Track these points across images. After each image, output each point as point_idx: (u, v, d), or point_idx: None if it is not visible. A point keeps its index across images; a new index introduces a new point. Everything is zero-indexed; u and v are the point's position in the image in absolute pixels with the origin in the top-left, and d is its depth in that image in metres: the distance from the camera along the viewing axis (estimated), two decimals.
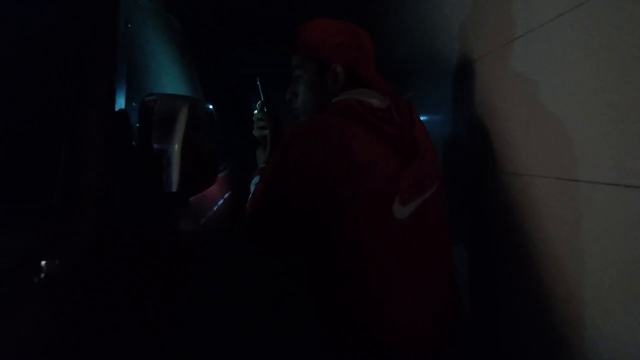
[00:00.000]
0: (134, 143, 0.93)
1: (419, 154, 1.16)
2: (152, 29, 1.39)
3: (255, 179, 1.33)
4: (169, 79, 1.48)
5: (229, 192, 1.80)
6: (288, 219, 1.13)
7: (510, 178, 1.21)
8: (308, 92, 1.28)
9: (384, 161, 1.11)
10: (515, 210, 1.18)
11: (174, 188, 0.88)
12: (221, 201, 1.61)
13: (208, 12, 3.53)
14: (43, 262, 0.65)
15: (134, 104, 1.01)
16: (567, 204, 0.94)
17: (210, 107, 1.02)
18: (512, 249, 1.22)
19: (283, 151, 1.13)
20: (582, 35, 0.88)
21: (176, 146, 0.88)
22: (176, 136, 0.88)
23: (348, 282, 1.11)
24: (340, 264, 1.12)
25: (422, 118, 1.32)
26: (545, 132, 1.02)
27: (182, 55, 1.77)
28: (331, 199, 1.08)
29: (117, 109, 0.91)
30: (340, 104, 1.19)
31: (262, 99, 1.47)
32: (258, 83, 1.49)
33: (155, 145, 0.87)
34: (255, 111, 1.46)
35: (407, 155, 1.15)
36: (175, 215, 1.04)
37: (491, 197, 1.35)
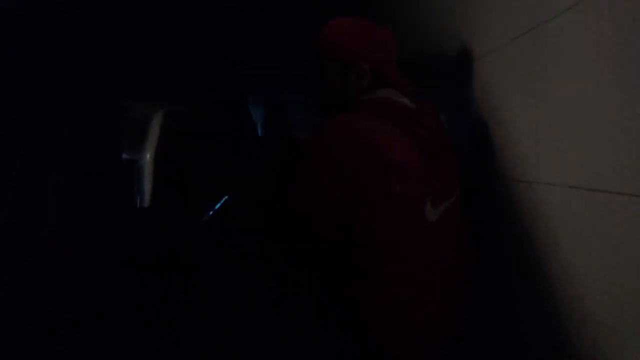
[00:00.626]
0: (104, 153, 0.85)
1: (446, 158, 1.16)
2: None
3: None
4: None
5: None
6: (319, 219, 1.09)
7: (518, 186, 1.11)
8: (333, 91, 1.26)
9: (416, 162, 1.08)
10: (525, 221, 1.09)
11: (146, 202, 0.80)
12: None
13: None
14: None
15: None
16: (581, 215, 0.85)
17: (202, 115, 0.93)
18: (520, 261, 1.12)
19: (313, 151, 1.10)
20: (594, 30, 0.79)
21: (147, 156, 0.80)
22: (148, 145, 0.80)
23: (374, 285, 1.07)
24: (368, 267, 1.08)
25: None
26: (556, 136, 0.93)
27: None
28: (365, 199, 1.04)
29: (87, 114, 0.83)
30: (374, 102, 1.17)
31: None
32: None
33: (124, 155, 0.79)
34: None
35: (435, 158, 1.13)
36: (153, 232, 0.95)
37: (497, 206, 1.26)
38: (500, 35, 1.18)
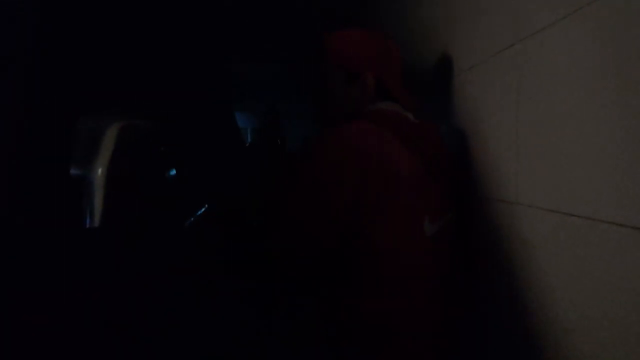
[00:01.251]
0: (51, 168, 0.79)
1: (446, 174, 1.15)
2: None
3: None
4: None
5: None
6: (321, 231, 1.04)
7: (498, 206, 1.07)
8: (335, 101, 1.25)
9: (418, 175, 1.07)
10: (504, 242, 1.04)
11: (96, 222, 0.74)
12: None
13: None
14: None
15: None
16: (562, 241, 0.80)
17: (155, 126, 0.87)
18: (499, 284, 1.08)
19: (315, 159, 1.06)
20: (576, 47, 0.75)
21: (99, 171, 0.74)
22: (99, 160, 0.74)
23: (371, 297, 1.05)
24: (366, 278, 1.05)
25: None
26: (537, 155, 0.89)
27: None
28: (367, 209, 1.01)
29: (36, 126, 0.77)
30: (377, 113, 1.15)
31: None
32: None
33: (72, 171, 0.73)
34: None
35: (435, 173, 1.12)
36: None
37: (478, 225, 1.22)
38: (483, 49, 1.14)
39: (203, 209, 2.04)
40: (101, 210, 0.74)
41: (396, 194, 1.03)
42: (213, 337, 1.27)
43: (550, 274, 0.85)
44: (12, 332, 0.67)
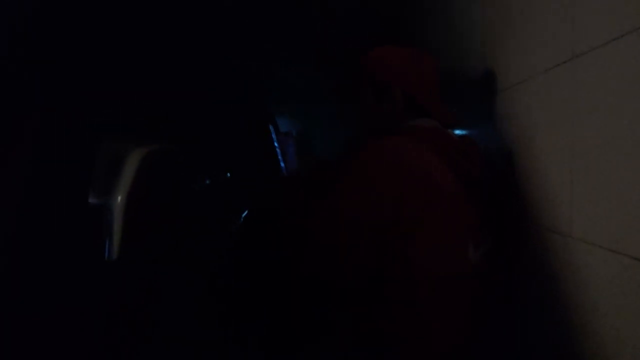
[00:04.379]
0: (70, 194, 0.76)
1: (487, 195, 1.09)
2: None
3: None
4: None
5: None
6: (355, 252, 0.98)
7: (551, 236, 0.98)
8: (366, 117, 1.24)
9: (462, 196, 1.00)
10: (555, 277, 0.95)
11: (115, 254, 0.70)
12: None
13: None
14: None
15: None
16: (622, 287, 0.71)
17: (185, 152, 0.83)
18: (547, 318, 0.98)
19: (355, 171, 1.01)
20: (633, 66, 0.66)
21: (119, 198, 0.70)
22: (120, 188, 0.71)
23: (408, 324, 0.99)
24: (403, 304, 0.99)
25: None
26: (593, 186, 0.80)
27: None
28: (406, 229, 0.95)
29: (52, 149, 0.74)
30: (418, 129, 1.10)
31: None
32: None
33: (91, 199, 0.70)
34: None
35: (479, 195, 1.06)
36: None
37: (522, 255, 1.12)
38: (534, 64, 1.05)
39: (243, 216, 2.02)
40: (120, 238, 0.71)
41: (438, 212, 0.96)
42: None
43: (602, 317, 0.75)
44: None
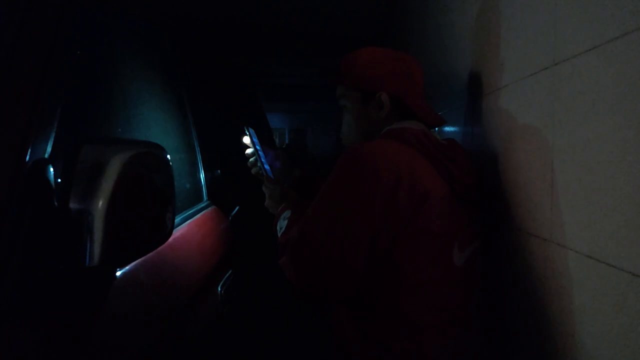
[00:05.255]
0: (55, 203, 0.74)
1: (473, 197, 1.10)
2: (122, 51, 1.22)
3: (286, 214, 1.19)
4: (143, 117, 1.28)
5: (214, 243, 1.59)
6: (345, 256, 0.96)
7: (531, 240, 0.99)
8: (353, 122, 1.23)
9: (449, 199, 1.00)
10: (537, 281, 0.96)
11: (95, 261, 0.69)
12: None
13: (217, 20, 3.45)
14: None
15: None
16: (599, 292, 0.72)
17: (165, 154, 0.82)
18: (529, 321, 1.00)
19: (339, 178, 1.00)
20: (621, 74, 0.67)
21: (99, 204, 0.70)
22: (100, 193, 0.70)
23: (399, 332, 0.99)
24: (392, 309, 0.99)
25: None
26: (573, 190, 0.81)
27: (169, 81, 1.60)
28: (396, 234, 0.96)
29: (38, 157, 0.73)
30: (404, 131, 1.08)
31: (258, 147, 1.39)
32: (248, 133, 1.38)
33: (72, 205, 0.69)
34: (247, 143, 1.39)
35: (465, 198, 1.05)
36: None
37: (506, 257, 1.14)
38: (517, 69, 1.06)
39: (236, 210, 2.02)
40: (101, 245, 0.70)
41: (427, 217, 0.96)
42: None
43: (588, 323, 0.77)
44: None
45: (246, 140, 1.40)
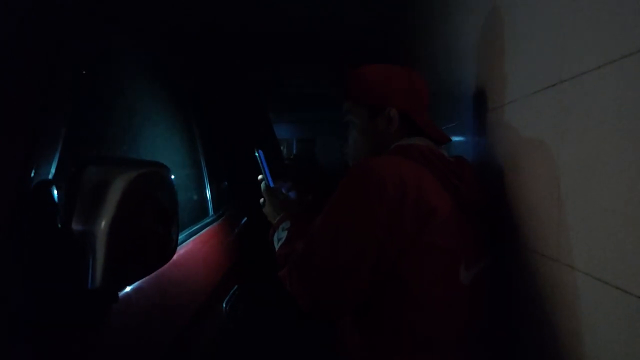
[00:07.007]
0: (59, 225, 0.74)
1: (481, 215, 1.09)
2: (126, 67, 1.22)
3: (285, 224, 1.19)
4: (148, 135, 1.29)
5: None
6: (349, 272, 0.95)
7: (538, 259, 0.97)
8: (360, 137, 1.23)
9: (456, 217, 0.99)
10: (546, 300, 0.95)
11: (97, 282, 0.69)
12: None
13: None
14: None
15: None
16: (608, 315, 0.71)
17: (169, 174, 0.82)
18: (536, 341, 0.98)
19: (345, 192, 1.00)
20: (628, 92, 0.66)
21: (102, 225, 0.69)
22: (103, 213, 0.70)
23: (404, 347, 0.98)
24: (397, 329, 0.98)
25: None
26: (580, 209, 0.80)
27: (174, 96, 1.61)
28: (401, 249, 0.95)
29: (40, 179, 0.73)
30: (412, 148, 1.08)
31: (267, 174, 1.36)
32: (257, 155, 1.36)
33: (74, 226, 0.69)
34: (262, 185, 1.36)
35: (472, 216, 1.04)
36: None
37: (513, 277, 1.12)
38: (523, 85, 1.06)
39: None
40: (103, 266, 0.70)
41: (432, 230, 0.95)
42: None
43: (601, 349, 0.75)
44: None
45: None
